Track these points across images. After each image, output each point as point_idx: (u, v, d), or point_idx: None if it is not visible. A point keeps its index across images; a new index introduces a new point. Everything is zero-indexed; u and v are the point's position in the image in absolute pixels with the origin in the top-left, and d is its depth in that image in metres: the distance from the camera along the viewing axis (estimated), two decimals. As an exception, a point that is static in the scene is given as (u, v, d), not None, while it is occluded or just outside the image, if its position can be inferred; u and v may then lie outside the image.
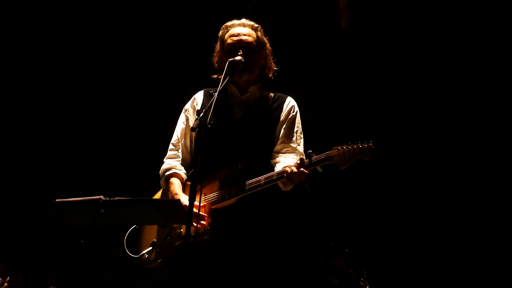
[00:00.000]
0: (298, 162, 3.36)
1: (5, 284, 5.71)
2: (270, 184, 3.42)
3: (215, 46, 3.81)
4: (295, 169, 3.33)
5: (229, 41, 3.69)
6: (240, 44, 3.65)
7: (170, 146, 3.83)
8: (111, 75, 6.64)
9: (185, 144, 3.80)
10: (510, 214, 6.09)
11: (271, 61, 3.80)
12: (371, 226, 6.19)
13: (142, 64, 6.63)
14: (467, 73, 6.29)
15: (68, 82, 6.67)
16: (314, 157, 3.35)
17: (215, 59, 3.80)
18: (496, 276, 5.99)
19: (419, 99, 6.36)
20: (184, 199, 3.47)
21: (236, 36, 3.68)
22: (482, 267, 6.01)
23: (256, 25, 3.76)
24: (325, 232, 6.17)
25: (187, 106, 3.85)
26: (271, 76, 3.80)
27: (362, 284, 5.51)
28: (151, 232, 3.66)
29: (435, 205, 6.23)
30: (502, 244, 6.04)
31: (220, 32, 3.78)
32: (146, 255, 3.61)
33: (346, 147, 3.30)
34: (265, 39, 3.78)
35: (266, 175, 3.43)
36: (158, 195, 3.81)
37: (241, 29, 3.71)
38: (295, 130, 3.68)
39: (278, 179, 3.40)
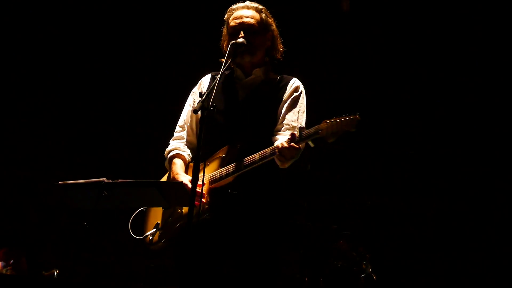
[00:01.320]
0: (290, 137, 3.37)
1: (9, 267, 5.74)
2: (264, 160, 3.43)
3: (222, 30, 3.82)
4: (285, 144, 3.34)
5: (232, 23, 3.70)
6: (242, 27, 3.65)
7: (177, 128, 3.86)
8: (115, 58, 6.63)
9: (191, 126, 3.83)
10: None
11: (278, 42, 3.80)
12: (372, 209, 6.19)
13: (147, 47, 6.61)
14: (472, 54, 6.26)
15: (72, 65, 6.67)
16: (305, 132, 3.35)
17: (223, 42, 3.81)
18: (499, 259, 6.00)
19: (423, 81, 6.35)
20: (184, 179, 3.52)
21: (238, 18, 3.69)
22: (484, 250, 6.02)
23: (261, 7, 3.76)
24: (327, 215, 6.18)
25: (194, 89, 3.89)
26: (279, 57, 3.79)
27: (364, 267, 5.54)
28: (156, 215, 3.68)
29: (437, 188, 6.23)
30: (504, 228, 6.05)
31: (225, 15, 3.79)
32: (150, 237, 3.64)
33: (334, 120, 3.29)
34: (270, 20, 3.77)
35: (260, 152, 3.44)
36: (164, 179, 3.82)
37: (244, 11, 3.71)
38: (298, 109, 3.68)
39: (271, 155, 3.41)
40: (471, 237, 6.09)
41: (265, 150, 3.44)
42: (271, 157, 3.42)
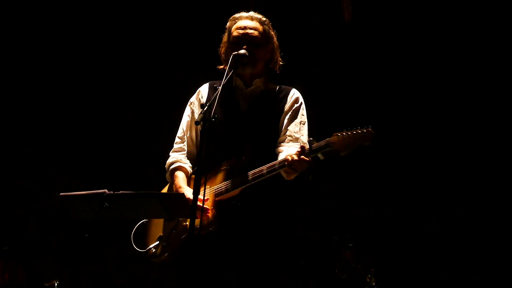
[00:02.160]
0: (299, 150, 3.36)
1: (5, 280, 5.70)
2: (272, 173, 3.43)
3: (222, 36, 3.83)
4: (296, 157, 3.34)
5: (235, 33, 3.70)
6: (246, 38, 3.66)
7: (176, 140, 3.86)
8: (115, 67, 6.62)
9: (190, 137, 3.82)
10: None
11: (278, 55, 3.81)
12: (375, 219, 6.17)
13: (146, 56, 6.61)
14: (474, 63, 6.25)
15: (73, 74, 6.65)
16: (315, 144, 3.36)
17: (222, 49, 3.81)
18: (504, 269, 5.97)
19: (425, 91, 6.34)
20: (188, 192, 3.49)
21: (242, 29, 3.69)
22: (490, 260, 5.99)
23: (264, 19, 3.77)
24: (329, 225, 6.16)
25: (192, 99, 3.88)
26: (276, 70, 3.81)
27: (368, 280, 5.51)
28: (158, 227, 3.67)
29: (441, 196, 6.21)
30: (510, 237, 6.03)
31: (228, 23, 3.79)
32: (153, 249, 3.63)
33: (346, 133, 3.30)
34: (272, 33, 3.79)
35: (268, 164, 3.45)
36: (165, 190, 3.81)
37: (248, 22, 3.72)
38: (299, 120, 3.70)
39: (280, 167, 3.41)
40: (476, 246, 6.06)
41: (274, 162, 3.44)
42: (280, 170, 3.42)
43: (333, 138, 3.32)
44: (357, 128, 3.30)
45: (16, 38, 6.61)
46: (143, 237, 3.71)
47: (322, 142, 3.35)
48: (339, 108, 6.33)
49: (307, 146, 3.36)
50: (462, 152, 6.21)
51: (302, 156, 3.33)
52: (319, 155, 3.38)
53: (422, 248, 6.16)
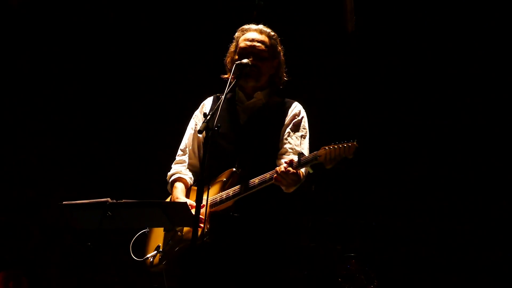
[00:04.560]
0: (287, 162, 3.38)
1: None
2: (264, 185, 3.44)
3: (229, 46, 3.83)
4: (283, 169, 3.35)
5: (242, 44, 3.71)
6: (252, 50, 3.67)
7: (178, 152, 3.88)
8: (119, 78, 6.65)
9: (193, 149, 3.84)
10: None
11: (283, 71, 3.81)
12: (378, 230, 6.16)
13: (151, 67, 6.63)
14: (474, 76, 6.27)
15: (76, 84, 6.68)
16: (303, 158, 3.38)
17: (228, 59, 3.81)
18: (507, 280, 5.96)
19: (426, 102, 6.35)
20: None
21: (250, 41, 3.70)
22: (493, 273, 5.97)
23: (273, 34, 3.77)
24: (331, 235, 6.15)
25: (196, 112, 3.90)
26: (280, 85, 3.81)
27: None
28: (158, 237, 3.68)
29: (444, 210, 6.20)
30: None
31: (236, 34, 3.80)
32: (151, 259, 3.64)
33: (332, 146, 3.31)
34: (279, 48, 3.79)
35: (260, 176, 3.46)
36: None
37: (257, 35, 3.72)
38: (300, 134, 3.69)
39: (270, 179, 3.42)
40: (479, 258, 6.05)
41: (265, 174, 3.45)
42: (270, 182, 3.43)
43: (320, 152, 3.33)
44: (343, 142, 3.31)
45: (23, 49, 6.65)
46: (143, 247, 3.72)
47: (310, 156, 3.37)
48: (341, 119, 6.34)
49: (296, 160, 3.38)
50: (465, 164, 6.22)
51: (289, 168, 3.34)
52: (308, 169, 3.41)
53: (425, 259, 6.14)
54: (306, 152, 3.61)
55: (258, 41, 3.69)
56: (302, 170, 3.46)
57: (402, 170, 6.30)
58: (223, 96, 3.33)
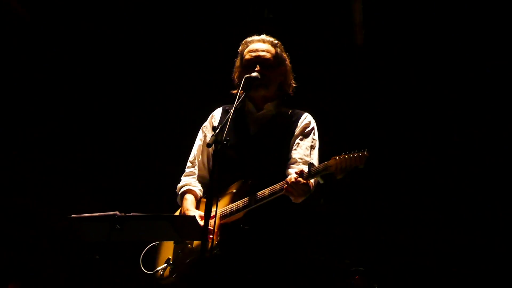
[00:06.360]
0: (298, 172, 3.37)
1: None
2: (274, 196, 3.43)
3: (235, 61, 3.84)
4: (293, 180, 3.34)
5: (247, 56, 3.72)
6: (258, 60, 3.67)
7: (188, 164, 3.87)
8: (129, 90, 6.66)
9: (202, 161, 3.83)
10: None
11: (291, 77, 3.81)
12: (386, 243, 6.14)
13: (161, 80, 6.65)
14: (481, 89, 6.25)
15: (85, 96, 6.70)
16: (313, 168, 3.37)
17: (235, 74, 3.81)
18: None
19: (435, 114, 6.34)
20: (195, 215, 3.49)
21: (254, 52, 3.71)
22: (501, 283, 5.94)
23: (276, 41, 3.78)
24: (340, 249, 6.13)
25: (206, 123, 3.90)
26: (290, 93, 3.80)
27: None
28: (168, 250, 3.67)
29: (451, 224, 6.18)
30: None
31: (240, 47, 3.81)
32: (161, 272, 3.62)
33: (343, 156, 3.30)
34: (285, 55, 3.79)
35: (270, 187, 3.45)
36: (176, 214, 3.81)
37: (260, 45, 3.73)
38: (310, 144, 3.68)
39: (280, 190, 3.41)
40: (484, 272, 6.01)
41: (275, 185, 3.44)
42: (281, 193, 3.41)
43: (330, 162, 3.33)
44: (354, 151, 3.30)
45: (30, 56, 6.67)
46: (153, 260, 3.71)
47: (321, 166, 3.37)
48: (350, 131, 6.33)
49: (306, 170, 3.37)
50: (470, 177, 6.19)
51: (299, 179, 3.34)
52: (319, 179, 3.39)
53: (432, 274, 6.10)
54: (315, 162, 3.60)
55: (263, 50, 3.71)
56: (312, 180, 3.44)
57: (412, 184, 6.27)
58: (232, 110, 3.32)
